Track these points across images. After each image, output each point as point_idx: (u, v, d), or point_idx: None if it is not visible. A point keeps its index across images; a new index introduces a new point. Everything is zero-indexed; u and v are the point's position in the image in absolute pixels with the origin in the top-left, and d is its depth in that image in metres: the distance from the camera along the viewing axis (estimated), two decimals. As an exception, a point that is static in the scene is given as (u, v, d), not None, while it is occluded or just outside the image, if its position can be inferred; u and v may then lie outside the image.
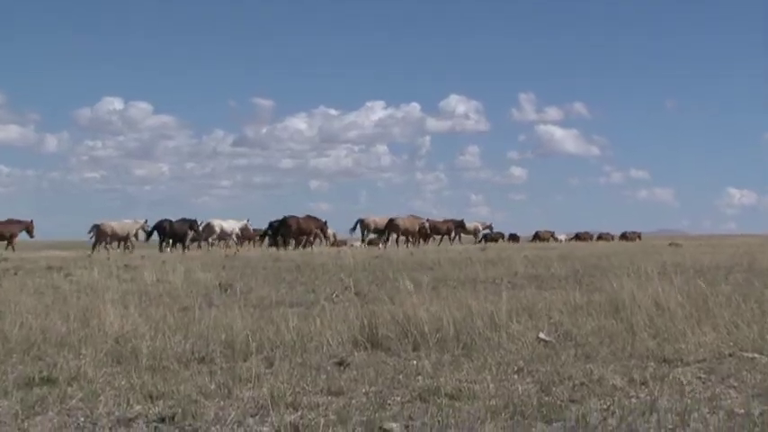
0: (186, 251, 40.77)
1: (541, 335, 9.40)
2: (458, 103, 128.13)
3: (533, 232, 72.42)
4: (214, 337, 9.50)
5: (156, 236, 47.37)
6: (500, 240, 65.68)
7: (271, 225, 47.76)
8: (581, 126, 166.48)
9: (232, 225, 50.57)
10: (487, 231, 65.75)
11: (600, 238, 69.86)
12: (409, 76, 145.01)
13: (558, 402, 6.75)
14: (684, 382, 7.30)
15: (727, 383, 7.35)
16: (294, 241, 45.58)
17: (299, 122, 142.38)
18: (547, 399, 6.90)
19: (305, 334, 9.56)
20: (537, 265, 21.40)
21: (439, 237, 54.79)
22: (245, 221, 51.40)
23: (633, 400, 6.85)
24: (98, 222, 46.55)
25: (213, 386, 7.40)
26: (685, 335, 9.00)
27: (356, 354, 8.86)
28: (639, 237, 65.85)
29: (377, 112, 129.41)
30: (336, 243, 52.37)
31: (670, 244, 38.89)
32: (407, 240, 49.02)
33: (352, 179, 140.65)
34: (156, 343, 9.12)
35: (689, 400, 6.73)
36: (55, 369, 8.00)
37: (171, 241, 46.50)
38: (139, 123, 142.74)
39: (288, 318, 10.04)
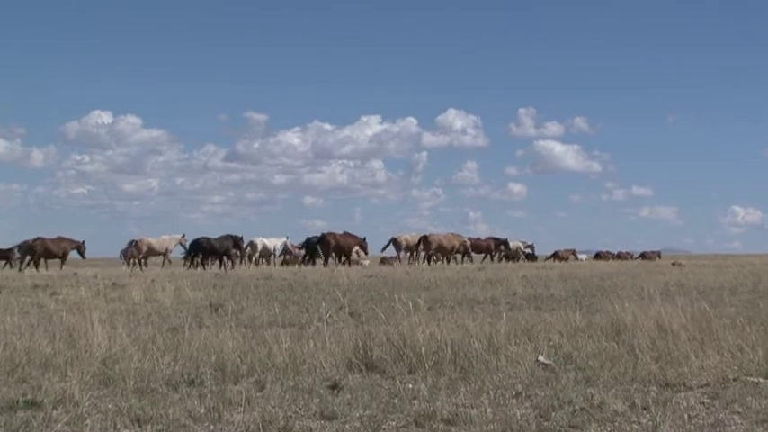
0: (230, 269, 40.77)
1: (541, 358, 9.39)
2: (455, 118, 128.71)
3: (552, 251, 71.27)
4: (204, 359, 9.48)
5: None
6: (570, 258, 64.39)
7: (308, 241, 47.98)
8: (582, 141, 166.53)
9: (274, 242, 50.87)
10: (529, 251, 65.10)
11: (619, 256, 69.37)
12: (406, 89, 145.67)
13: (558, 428, 6.75)
14: (687, 408, 7.30)
15: (732, 409, 7.35)
16: (333, 258, 46.00)
17: (293, 137, 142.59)
18: (546, 424, 6.89)
19: (297, 356, 9.54)
20: (536, 286, 21.40)
21: (480, 255, 54.67)
22: (284, 239, 51.58)
23: (635, 425, 6.84)
24: (135, 238, 46.81)
25: (203, 410, 7.38)
26: (688, 358, 8.99)
27: (350, 376, 8.84)
28: (659, 256, 65.45)
29: (372, 126, 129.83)
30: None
31: (673, 263, 38.89)
32: (443, 258, 49.18)
33: (346, 196, 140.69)
34: (145, 364, 9.10)
35: (692, 427, 6.73)
36: (40, 392, 7.97)
37: (201, 258, 46.18)
38: (128, 137, 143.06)
39: (280, 339, 10.02)
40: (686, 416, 7.05)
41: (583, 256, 69.78)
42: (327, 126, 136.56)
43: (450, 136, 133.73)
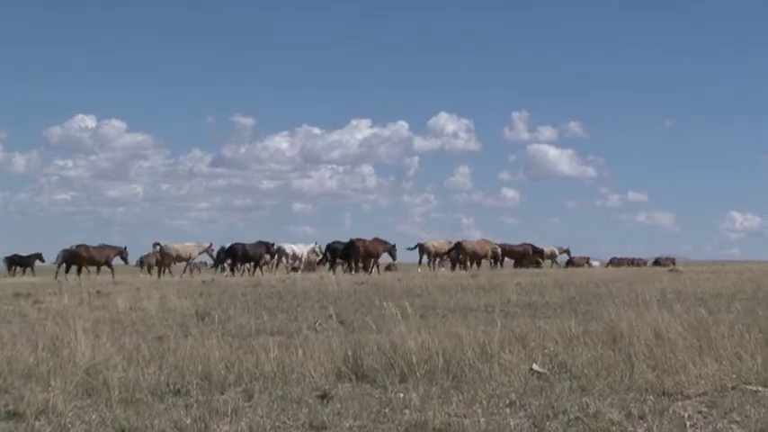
0: (260, 275, 41.14)
1: (535, 366, 9.41)
2: (447, 122, 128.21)
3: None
4: (190, 369, 9.47)
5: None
6: (585, 265, 64.12)
7: (328, 247, 48.14)
8: (576, 146, 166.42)
9: (302, 249, 51.04)
10: (565, 255, 65.05)
11: (632, 263, 69.16)
12: (396, 92, 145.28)
13: (553, 438, 6.75)
14: (685, 417, 7.31)
15: (730, 418, 7.37)
16: (362, 264, 46.33)
17: (281, 141, 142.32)
18: (540, 434, 6.90)
19: (286, 365, 9.54)
20: (530, 293, 21.41)
21: (514, 261, 54.88)
22: (313, 245, 51.70)
23: (631, 435, 6.85)
24: (161, 243, 47.10)
25: (189, 420, 7.38)
26: (686, 366, 9.01)
27: (340, 386, 8.85)
28: (674, 262, 65.09)
29: (362, 130, 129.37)
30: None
31: (670, 270, 38.95)
32: (474, 263, 49.63)
33: (336, 201, 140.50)
34: (129, 374, 9.09)
35: (689, 436, 6.74)
36: (22, 402, 7.97)
37: (238, 265, 46.82)
38: (112, 142, 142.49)
39: (268, 347, 10.02)
40: (684, 425, 7.07)
41: (595, 263, 69.63)
42: (316, 130, 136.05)
43: (442, 140, 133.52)
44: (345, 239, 48.00)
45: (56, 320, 14.71)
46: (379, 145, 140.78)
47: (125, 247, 48.22)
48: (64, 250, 46.30)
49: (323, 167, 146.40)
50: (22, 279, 43.10)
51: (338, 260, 47.45)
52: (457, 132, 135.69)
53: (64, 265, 44.83)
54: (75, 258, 44.89)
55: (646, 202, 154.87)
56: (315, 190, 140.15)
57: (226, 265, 47.49)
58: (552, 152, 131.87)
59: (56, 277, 39.85)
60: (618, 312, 11.55)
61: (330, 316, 15.27)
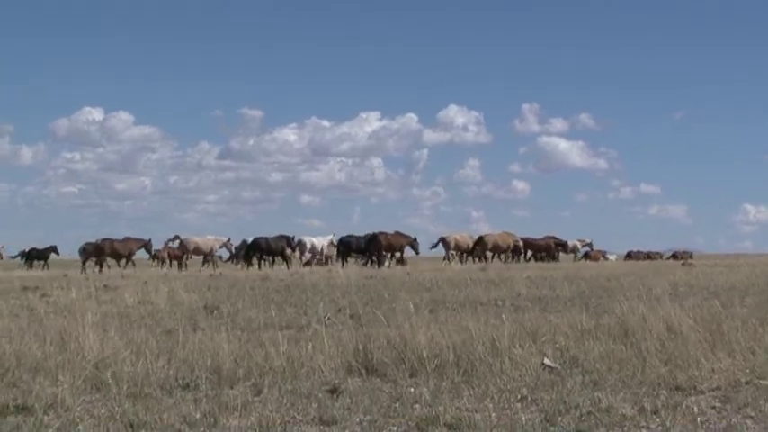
0: (286, 268, 41.35)
1: (546, 360, 9.40)
2: (457, 114, 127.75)
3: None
4: (199, 363, 9.48)
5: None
6: (601, 259, 64.12)
7: (341, 241, 48.22)
8: (588, 138, 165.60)
9: (321, 241, 51.11)
10: (587, 249, 65.00)
11: (648, 257, 68.99)
12: (406, 85, 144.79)
13: (565, 433, 6.75)
14: (698, 412, 7.30)
15: (744, 413, 7.35)
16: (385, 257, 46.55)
17: (289, 134, 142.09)
18: (552, 429, 6.90)
19: (295, 359, 9.55)
20: (541, 287, 21.41)
21: (539, 254, 54.86)
22: (331, 237, 51.73)
23: (644, 430, 6.85)
24: (182, 237, 47.42)
25: (198, 415, 7.39)
26: (699, 361, 8.99)
27: (350, 380, 8.85)
28: (691, 256, 64.87)
29: (371, 123, 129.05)
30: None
31: (682, 263, 38.93)
32: (498, 257, 49.84)
33: (345, 194, 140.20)
34: (138, 368, 9.10)
35: (703, 431, 6.73)
36: (30, 396, 7.98)
37: (262, 258, 47.23)
38: (120, 135, 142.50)
39: (277, 341, 10.02)
40: (697, 420, 7.06)
41: (612, 257, 69.51)
42: (325, 122, 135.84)
43: (452, 133, 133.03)
44: (354, 233, 48.13)
45: (63, 314, 14.75)
46: (388, 138, 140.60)
47: (149, 240, 48.80)
48: (88, 244, 46.64)
49: (332, 160, 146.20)
50: (30, 273, 43.27)
51: (353, 254, 47.50)
52: (467, 125, 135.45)
53: (90, 258, 45.31)
54: (99, 252, 45.37)
55: (658, 195, 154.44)
56: (323, 183, 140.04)
57: (250, 258, 47.59)
58: (563, 144, 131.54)
59: (82, 272, 40.05)
60: (629, 306, 11.52)
61: (339, 310, 15.29)
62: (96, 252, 46.00)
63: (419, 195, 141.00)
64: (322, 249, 51.10)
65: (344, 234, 48.80)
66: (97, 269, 43.44)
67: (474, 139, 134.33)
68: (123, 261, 47.59)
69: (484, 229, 57.86)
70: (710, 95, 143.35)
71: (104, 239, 46.84)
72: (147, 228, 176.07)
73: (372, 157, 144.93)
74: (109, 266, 45.57)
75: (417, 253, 50.97)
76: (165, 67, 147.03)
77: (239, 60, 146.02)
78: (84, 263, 45.23)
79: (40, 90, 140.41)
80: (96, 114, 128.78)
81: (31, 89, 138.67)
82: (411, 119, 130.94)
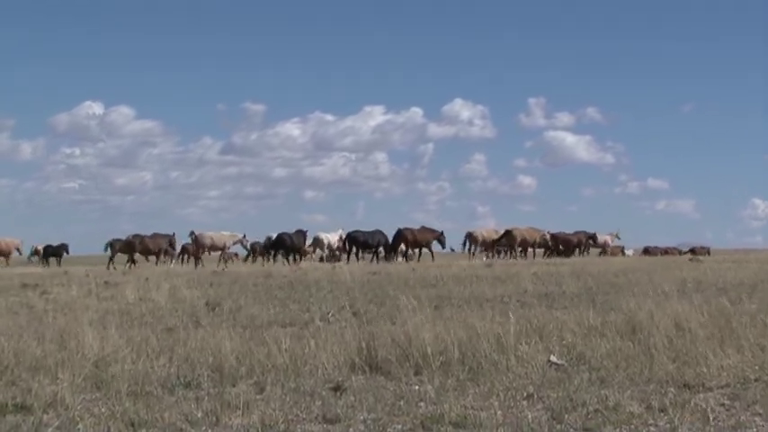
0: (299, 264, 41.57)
1: (553, 358, 9.39)
2: (462, 108, 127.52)
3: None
4: (201, 361, 9.49)
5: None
6: (620, 254, 64.11)
7: (349, 236, 48.24)
8: (594, 132, 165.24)
9: (333, 237, 51.22)
10: (617, 241, 65.10)
11: (665, 252, 69.01)
12: (410, 78, 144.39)
13: (571, 431, 6.74)
14: (707, 409, 7.28)
15: (753, 411, 7.33)
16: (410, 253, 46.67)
17: (292, 128, 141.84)
18: (559, 427, 6.89)
19: (298, 356, 9.55)
20: (547, 283, 21.39)
21: (569, 249, 54.75)
22: (340, 231, 51.77)
23: (652, 428, 6.84)
24: (197, 232, 47.58)
25: (200, 413, 7.39)
26: (707, 358, 8.97)
27: (354, 378, 8.84)
28: (708, 252, 64.92)
29: (375, 117, 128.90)
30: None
31: (690, 258, 38.88)
32: (524, 252, 49.86)
33: (348, 189, 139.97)
34: (139, 367, 9.11)
35: (712, 429, 6.72)
36: (29, 395, 7.98)
37: (284, 254, 47.60)
38: (121, 129, 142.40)
39: (280, 339, 10.03)
40: (706, 418, 7.04)
41: (630, 252, 69.52)
42: (329, 117, 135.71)
43: (457, 127, 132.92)
44: (359, 228, 48.00)
45: (63, 312, 14.79)
46: (392, 132, 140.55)
47: (173, 234, 48.93)
48: (115, 240, 46.76)
49: (335, 155, 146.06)
50: (30, 270, 43.28)
51: (361, 249, 47.43)
52: (472, 119, 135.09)
53: (117, 254, 45.47)
54: (129, 248, 45.53)
55: (666, 190, 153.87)
56: (327, 178, 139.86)
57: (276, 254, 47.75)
58: (570, 138, 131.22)
59: (108, 267, 40.15)
60: (637, 303, 11.52)
61: (343, 307, 15.29)
62: (126, 248, 46.12)
63: (424, 190, 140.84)
64: (334, 245, 51.18)
65: (350, 229, 48.81)
66: (128, 265, 43.48)
67: (480, 134, 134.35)
68: (153, 257, 48.10)
69: (490, 224, 57.66)
70: (719, 88, 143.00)
71: (135, 235, 46.97)
72: (148, 224, 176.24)
73: (377, 152, 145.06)
74: (135, 262, 45.57)
75: (444, 247, 50.61)
76: (166, 60, 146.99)
77: (242, 54, 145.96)
78: (111, 258, 45.16)
79: (40, 84, 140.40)
80: (96, 108, 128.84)
81: (31, 83, 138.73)
82: (416, 113, 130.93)
